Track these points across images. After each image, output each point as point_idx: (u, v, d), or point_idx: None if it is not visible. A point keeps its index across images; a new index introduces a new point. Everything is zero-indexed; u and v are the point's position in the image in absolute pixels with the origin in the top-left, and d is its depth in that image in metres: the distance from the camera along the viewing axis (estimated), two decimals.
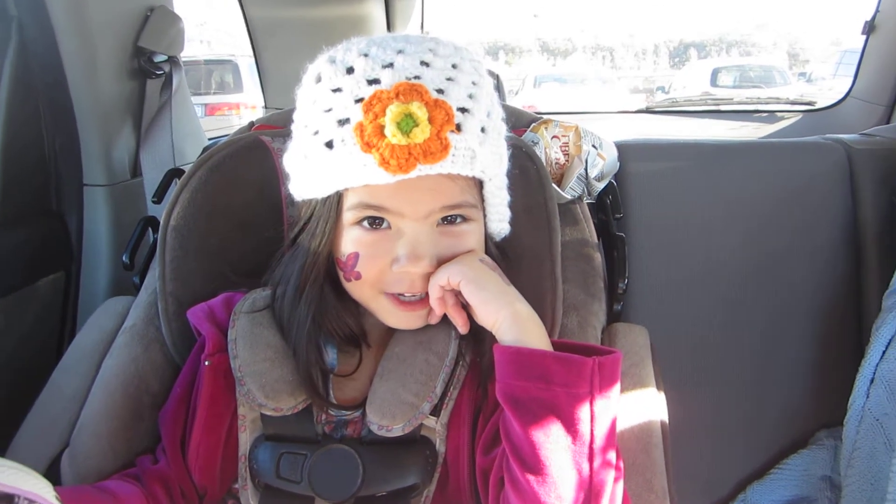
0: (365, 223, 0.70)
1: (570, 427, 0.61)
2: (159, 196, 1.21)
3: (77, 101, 1.31)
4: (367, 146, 0.63)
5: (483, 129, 0.67)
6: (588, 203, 1.15)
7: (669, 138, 1.57)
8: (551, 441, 0.61)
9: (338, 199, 0.71)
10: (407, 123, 0.62)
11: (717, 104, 3.28)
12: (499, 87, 2.10)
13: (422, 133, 0.62)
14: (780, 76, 8.86)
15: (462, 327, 0.73)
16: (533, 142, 1.13)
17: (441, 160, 0.64)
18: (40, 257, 1.31)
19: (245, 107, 6.66)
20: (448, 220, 0.71)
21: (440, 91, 0.65)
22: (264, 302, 0.80)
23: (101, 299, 1.25)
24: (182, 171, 1.18)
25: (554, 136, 1.15)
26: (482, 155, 0.67)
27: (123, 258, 1.12)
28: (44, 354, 1.32)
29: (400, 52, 0.66)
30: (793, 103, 2.85)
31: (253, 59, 2.27)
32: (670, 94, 9.19)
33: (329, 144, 0.66)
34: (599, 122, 2.68)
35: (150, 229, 1.15)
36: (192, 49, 10.25)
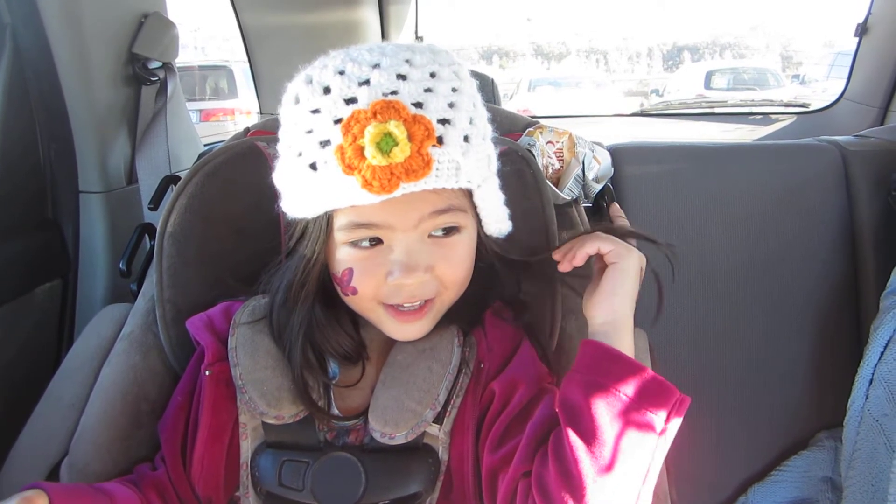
0: (363, 243, 0.70)
1: (641, 442, 0.65)
2: (155, 203, 1.20)
3: (72, 108, 1.30)
4: (350, 168, 0.62)
5: (466, 138, 0.66)
6: (584, 207, 1.15)
7: (664, 141, 1.56)
8: (621, 441, 0.64)
9: (327, 218, 0.70)
10: (386, 143, 0.61)
11: (712, 107, 3.29)
12: (493, 93, 2.09)
13: (402, 152, 0.61)
14: (774, 78, 8.89)
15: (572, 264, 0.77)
16: (529, 144, 1.13)
17: (424, 176, 0.63)
18: (37, 265, 1.31)
19: (240, 112, 6.64)
20: (444, 231, 0.71)
21: (418, 105, 0.63)
22: (263, 311, 0.80)
23: (98, 307, 1.24)
24: (178, 178, 1.18)
25: (548, 142, 1.15)
26: (467, 165, 0.66)
27: (120, 265, 1.12)
28: (41, 363, 1.32)
29: (376, 66, 0.65)
30: (787, 105, 2.85)
31: (247, 65, 2.27)
32: (664, 97, 9.22)
33: (313, 166, 0.65)
34: (594, 126, 2.68)
35: (146, 236, 1.15)
36: (187, 55, 10.25)
